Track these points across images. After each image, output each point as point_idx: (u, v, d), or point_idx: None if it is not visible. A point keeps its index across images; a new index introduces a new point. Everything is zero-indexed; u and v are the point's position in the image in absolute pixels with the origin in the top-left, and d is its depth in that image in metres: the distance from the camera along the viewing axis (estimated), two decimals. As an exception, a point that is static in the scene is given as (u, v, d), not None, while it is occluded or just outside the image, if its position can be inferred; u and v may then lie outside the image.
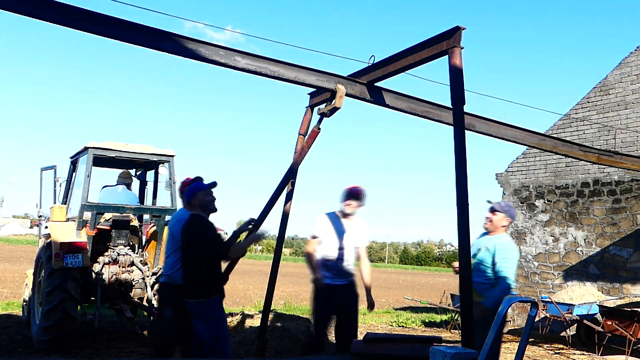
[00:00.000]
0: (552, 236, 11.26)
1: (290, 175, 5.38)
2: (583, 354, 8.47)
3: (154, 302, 7.12)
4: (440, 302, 11.90)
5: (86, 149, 6.90)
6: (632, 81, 10.17)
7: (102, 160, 7.19)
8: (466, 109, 3.96)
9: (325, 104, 4.92)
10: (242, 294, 16.84)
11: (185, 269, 4.35)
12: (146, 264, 7.27)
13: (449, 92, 3.89)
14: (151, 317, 7.26)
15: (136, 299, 7.11)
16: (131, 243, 7.35)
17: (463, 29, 3.86)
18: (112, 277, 6.94)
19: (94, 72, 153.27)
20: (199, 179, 4.56)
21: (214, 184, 4.54)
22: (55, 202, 7.77)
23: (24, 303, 8.00)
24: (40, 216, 8.23)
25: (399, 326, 11.24)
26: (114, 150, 6.95)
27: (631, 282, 9.85)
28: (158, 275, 7.14)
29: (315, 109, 5.55)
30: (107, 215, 7.08)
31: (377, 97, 4.82)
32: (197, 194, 4.40)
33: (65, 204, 7.48)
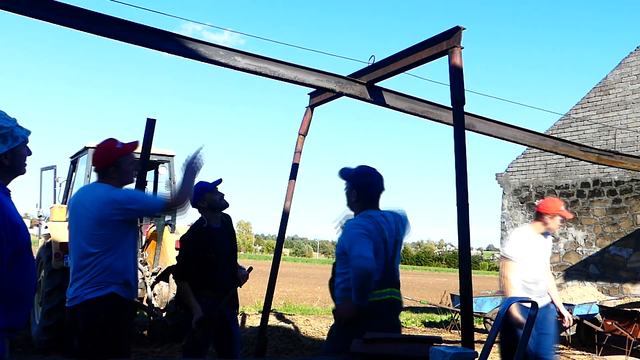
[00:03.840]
0: (552, 236, 11.27)
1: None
2: (583, 354, 8.47)
3: (154, 302, 7.12)
4: (440, 302, 11.90)
5: (86, 149, 6.90)
6: (632, 81, 10.18)
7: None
8: (466, 109, 3.96)
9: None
10: (242, 294, 16.81)
11: None
12: (146, 264, 7.26)
13: (449, 92, 3.89)
14: (151, 317, 7.25)
15: (136, 299, 7.09)
16: None
17: (463, 29, 3.86)
18: None
19: (94, 72, 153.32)
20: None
21: (219, 181, 4.26)
22: (55, 202, 7.77)
23: (24, 303, 7.99)
24: (40, 216, 8.22)
25: (399, 326, 11.22)
26: None
27: (631, 282, 9.86)
28: (158, 274, 7.16)
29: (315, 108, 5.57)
30: None
31: (377, 97, 4.82)
32: (205, 195, 4.14)
33: (65, 204, 7.48)
